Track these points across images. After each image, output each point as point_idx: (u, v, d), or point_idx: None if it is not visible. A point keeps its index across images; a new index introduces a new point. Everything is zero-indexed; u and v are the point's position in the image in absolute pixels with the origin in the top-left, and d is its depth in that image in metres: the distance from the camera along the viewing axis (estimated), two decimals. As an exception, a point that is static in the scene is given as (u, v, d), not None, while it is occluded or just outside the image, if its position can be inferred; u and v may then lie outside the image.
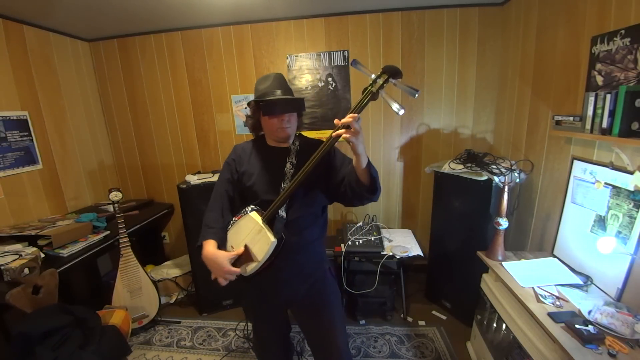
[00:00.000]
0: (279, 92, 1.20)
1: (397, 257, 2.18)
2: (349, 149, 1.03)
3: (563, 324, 1.21)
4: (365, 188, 1.07)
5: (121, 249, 2.16)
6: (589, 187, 1.53)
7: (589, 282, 1.47)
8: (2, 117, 2.09)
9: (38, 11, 2.13)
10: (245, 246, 1.13)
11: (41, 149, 2.35)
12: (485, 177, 1.96)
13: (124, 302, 2.16)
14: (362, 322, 2.31)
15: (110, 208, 2.31)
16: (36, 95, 2.35)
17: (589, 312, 1.24)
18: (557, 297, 1.38)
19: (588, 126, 1.45)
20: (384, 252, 2.22)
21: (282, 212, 1.15)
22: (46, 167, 2.40)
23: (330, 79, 2.66)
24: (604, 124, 1.36)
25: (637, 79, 1.30)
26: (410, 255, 2.21)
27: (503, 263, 1.68)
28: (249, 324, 2.34)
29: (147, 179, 3.12)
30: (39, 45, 2.38)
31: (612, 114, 1.32)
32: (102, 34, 2.74)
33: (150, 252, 3.05)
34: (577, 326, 1.17)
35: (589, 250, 1.51)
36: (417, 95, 0.95)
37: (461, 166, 2.14)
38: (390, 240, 2.43)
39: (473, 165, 2.10)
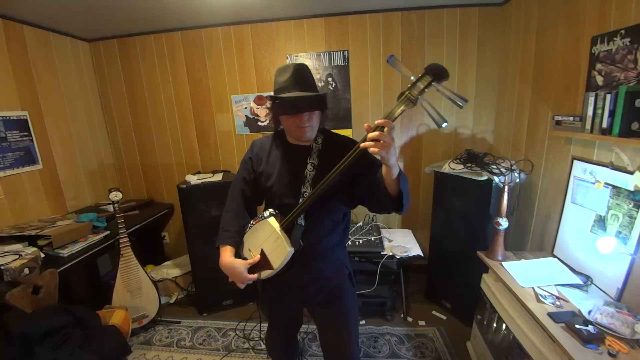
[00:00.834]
0: (297, 87, 1.06)
1: (397, 257, 2.18)
2: None
3: (563, 324, 1.21)
4: (392, 201, 0.96)
5: (121, 249, 2.16)
6: (589, 187, 1.53)
7: (589, 282, 1.47)
8: (2, 117, 2.09)
9: (38, 11, 2.13)
10: (262, 252, 1.12)
11: (41, 149, 2.35)
12: (485, 177, 1.96)
13: (124, 302, 2.16)
14: (362, 322, 2.31)
15: (110, 208, 2.31)
16: (36, 95, 2.35)
17: (589, 312, 1.24)
18: (557, 297, 1.38)
19: (588, 126, 1.45)
20: (384, 252, 2.22)
21: (300, 220, 1.10)
22: (46, 167, 2.40)
23: (330, 79, 2.66)
24: (604, 124, 1.35)
25: (637, 79, 1.30)
26: (410, 255, 2.21)
27: (503, 263, 1.67)
28: (249, 324, 2.35)
29: (147, 179, 3.12)
30: (39, 45, 2.38)
31: (612, 114, 1.32)
32: (102, 34, 2.74)
33: (150, 252, 3.04)
34: (577, 326, 1.16)
35: (589, 250, 1.51)
36: (465, 105, 0.81)
37: (461, 166, 2.14)
38: (390, 240, 2.43)
39: (473, 165, 2.10)
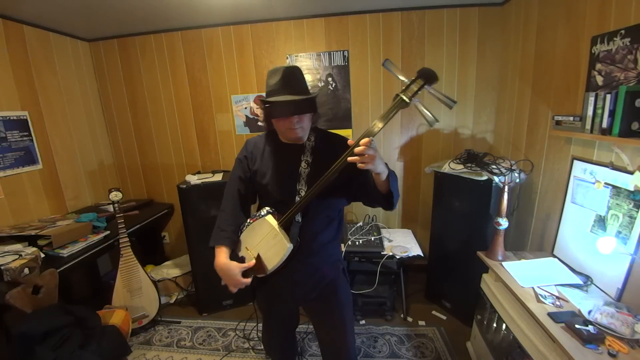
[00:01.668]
0: (285, 91, 1.07)
1: (397, 257, 2.18)
2: None
3: (563, 324, 1.21)
4: (383, 198, 1.06)
5: (121, 249, 2.16)
6: (589, 187, 1.53)
7: (589, 282, 1.47)
8: (2, 117, 2.09)
9: (38, 11, 2.13)
10: (258, 257, 1.13)
11: (41, 149, 2.35)
12: (485, 177, 1.96)
13: (124, 302, 2.16)
14: (362, 322, 2.31)
15: (110, 208, 2.31)
16: (36, 95, 2.35)
17: (589, 312, 1.24)
18: (557, 297, 1.38)
19: (588, 126, 1.45)
20: (384, 252, 2.22)
21: (298, 217, 1.13)
22: (46, 167, 2.40)
23: (330, 79, 2.66)
24: (604, 124, 1.35)
25: (637, 79, 1.30)
26: (410, 255, 2.21)
27: (503, 263, 1.67)
28: (249, 324, 2.35)
29: (147, 179, 3.12)
30: (39, 45, 2.38)
31: (612, 114, 1.32)
32: (102, 34, 2.74)
33: (150, 252, 3.05)
34: (577, 326, 1.17)
35: (589, 250, 1.51)
36: (453, 106, 0.89)
37: (461, 166, 2.14)
38: (390, 240, 2.43)
39: (473, 165, 2.10)
